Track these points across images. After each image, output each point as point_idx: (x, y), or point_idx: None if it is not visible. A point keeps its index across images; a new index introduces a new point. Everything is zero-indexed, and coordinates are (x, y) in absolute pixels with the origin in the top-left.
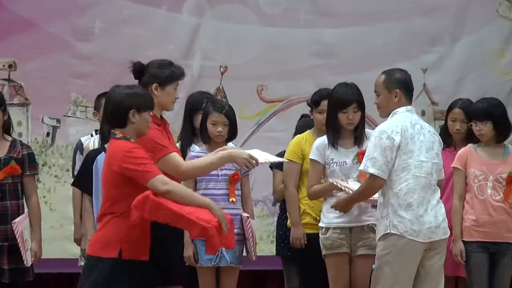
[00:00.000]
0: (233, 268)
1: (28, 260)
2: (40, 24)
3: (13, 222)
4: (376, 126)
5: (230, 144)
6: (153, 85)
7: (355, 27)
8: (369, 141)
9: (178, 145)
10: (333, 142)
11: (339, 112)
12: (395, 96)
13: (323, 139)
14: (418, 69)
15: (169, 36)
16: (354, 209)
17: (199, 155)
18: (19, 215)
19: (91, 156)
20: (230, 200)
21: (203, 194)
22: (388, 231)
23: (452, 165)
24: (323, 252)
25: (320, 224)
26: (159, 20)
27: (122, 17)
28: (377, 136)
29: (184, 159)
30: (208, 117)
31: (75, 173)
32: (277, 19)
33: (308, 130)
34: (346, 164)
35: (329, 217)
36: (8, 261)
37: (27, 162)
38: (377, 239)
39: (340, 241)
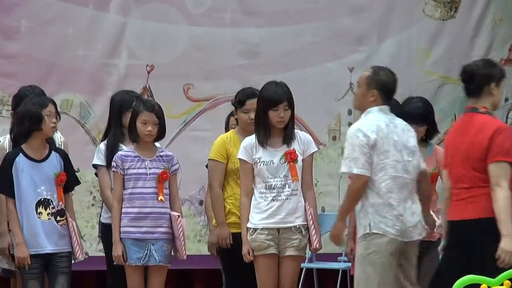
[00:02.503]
0: (161, 267)
1: None
2: None
3: None
4: (304, 126)
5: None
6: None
7: (281, 27)
8: (296, 141)
9: (103, 144)
10: (263, 141)
11: (269, 110)
12: (372, 96)
13: (251, 138)
14: (345, 68)
15: (96, 35)
16: (281, 210)
17: (127, 154)
18: None
19: (10, 158)
20: (159, 199)
21: (131, 193)
22: (369, 231)
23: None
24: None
25: (248, 225)
26: (86, 19)
27: (49, 16)
28: (353, 136)
29: (112, 158)
30: (138, 116)
31: None
32: (202, 18)
33: (232, 130)
34: (273, 163)
35: (256, 218)
36: None
37: None
38: (357, 238)
39: (268, 242)
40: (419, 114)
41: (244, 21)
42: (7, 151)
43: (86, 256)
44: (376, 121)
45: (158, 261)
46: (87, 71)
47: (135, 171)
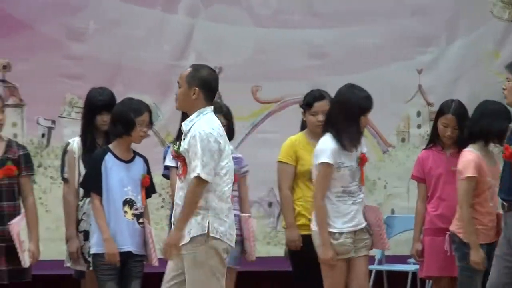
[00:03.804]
0: (232, 269)
1: (26, 261)
2: (34, 25)
3: (9, 223)
4: (372, 128)
5: None
6: None
7: (348, 28)
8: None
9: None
10: (351, 146)
11: (361, 116)
12: (193, 94)
13: (332, 141)
14: (413, 70)
15: (164, 37)
16: (358, 213)
17: None
18: (15, 216)
19: (99, 156)
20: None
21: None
22: (206, 232)
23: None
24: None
25: (331, 229)
26: (153, 20)
27: (116, 18)
28: (204, 139)
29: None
30: None
31: (65, 175)
32: (269, 20)
33: (301, 132)
34: (353, 168)
35: (339, 222)
36: (6, 262)
37: (24, 163)
38: (187, 240)
39: (350, 246)
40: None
41: (311, 22)
42: (76, 154)
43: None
44: (217, 123)
45: (229, 264)
46: (154, 73)
47: None
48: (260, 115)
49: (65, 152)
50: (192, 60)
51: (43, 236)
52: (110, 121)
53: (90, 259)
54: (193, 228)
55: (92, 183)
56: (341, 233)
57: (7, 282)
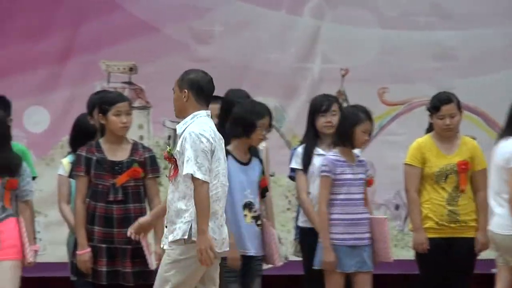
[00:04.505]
0: (369, 273)
1: (152, 263)
2: (160, 27)
3: None
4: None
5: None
6: None
7: (475, 29)
8: None
9: (301, 148)
10: None
11: None
12: (184, 97)
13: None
14: None
15: (289, 39)
16: None
17: (337, 158)
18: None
19: None
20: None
21: (345, 199)
22: (187, 237)
23: None
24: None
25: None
26: (278, 23)
27: (242, 20)
28: (196, 140)
29: (309, 162)
30: (357, 125)
31: None
32: (396, 22)
33: (428, 134)
34: None
35: None
36: (131, 265)
37: (149, 165)
38: (169, 241)
39: None
40: None
41: (439, 24)
42: None
43: (286, 261)
44: (211, 126)
45: (370, 267)
46: (280, 75)
47: (347, 176)
48: (387, 117)
49: None
50: (318, 62)
51: None
52: (230, 122)
53: None
54: (175, 232)
55: None
56: None
57: (132, 284)
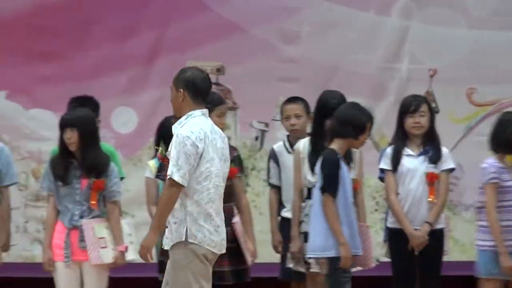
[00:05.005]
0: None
1: (248, 260)
2: (247, 28)
3: (232, 222)
4: None
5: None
6: None
7: None
8: None
9: (390, 149)
10: None
11: None
12: (180, 96)
13: None
14: None
15: (377, 39)
16: None
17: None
18: (232, 218)
19: (338, 161)
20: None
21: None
22: (184, 239)
23: None
24: None
25: None
26: (366, 23)
27: (330, 21)
28: (181, 142)
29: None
30: None
31: (270, 180)
32: (485, 22)
33: None
34: None
35: None
36: (229, 263)
37: (238, 164)
38: (168, 246)
39: None
40: None
41: None
42: (302, 155)
43: (378, 262)
44: (203, 126)
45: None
46: (368, 76)
47: (510, 183)
48: (475, 118)
49: (270, 156)
50: (406, 62)
51: (256, 239)
52: (337, 120)
53: (310, 261)
54: (173, 234)
55: (334, 187)
56: None
57: (231, 283)
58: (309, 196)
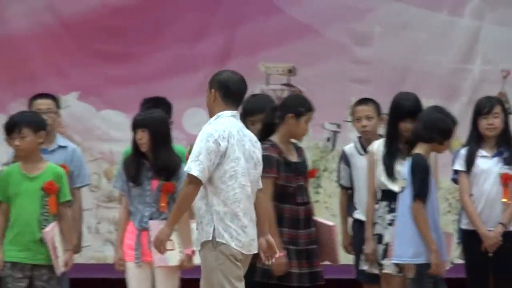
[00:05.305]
0: None
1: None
2: (319, 29)
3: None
4: None
5: None
6: None
7: None
8: None
9: (464, 150)
10: None
11: None
12: (212, 96)
13: None
14: None
15: (449, 40)
16: None
17: None
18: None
19: (427, 164)
20: None
21: None
22: (211, 239)
23: None
24: None
25: None
26: (439, 24)
27: (402, 21)
28: (203, 139)
29: (472, 164)
30: None
31: (341, 181)
32: None
33: None
34: None
35: None
36: (307, 265)
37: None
38: (198, 246)
39: None
40: None
41: None
42: (376, 156)
43: (451, 265)
44: (228, 126)
45: None
46: (440, 76)
47: None
48: None
49: (341, 158)
50: (478, 63)
51: None
52: (422, 125)
53: (384, 262)
54: (200, 234)
55: (425, 192)
56: None
57: (308, 284)
58: (382, 198)
